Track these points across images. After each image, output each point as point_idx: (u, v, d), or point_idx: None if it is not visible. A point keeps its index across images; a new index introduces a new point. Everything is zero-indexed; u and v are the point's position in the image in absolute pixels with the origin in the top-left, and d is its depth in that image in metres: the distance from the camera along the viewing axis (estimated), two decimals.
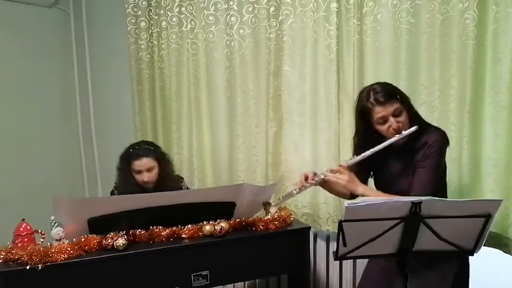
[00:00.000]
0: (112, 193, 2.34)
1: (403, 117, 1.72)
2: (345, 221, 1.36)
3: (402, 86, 2.23)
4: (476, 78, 2.08)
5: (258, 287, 2.88)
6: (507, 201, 2.01)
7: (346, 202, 1.35)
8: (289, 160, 2.63)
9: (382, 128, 1.73)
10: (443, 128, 2.17)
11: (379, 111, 1.70)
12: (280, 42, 2.55)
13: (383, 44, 2.30)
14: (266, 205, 2.08)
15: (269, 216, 2.03)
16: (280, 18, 2.54)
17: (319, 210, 2.54)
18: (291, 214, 2.11)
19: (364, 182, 1.90)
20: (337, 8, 2.38)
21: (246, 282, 2.85)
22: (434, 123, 2.19)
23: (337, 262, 2.60)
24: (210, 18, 2.69)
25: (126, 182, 2.26)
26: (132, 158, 2.24)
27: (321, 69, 2.47)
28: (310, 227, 2.17)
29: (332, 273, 2.64)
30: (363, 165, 1.85)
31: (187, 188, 2.44)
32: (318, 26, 2.45)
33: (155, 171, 2.25)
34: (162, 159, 2.30)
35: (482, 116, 2.10)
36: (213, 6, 2.67)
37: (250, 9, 2.60)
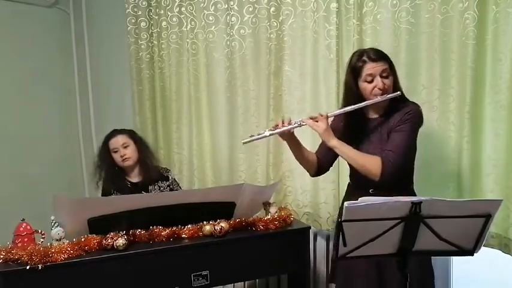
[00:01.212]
0: (103, 191, 2.38)
1: (389, 81, 1.79)
2: (345, 221, 1.36)
3: (402, 86, 2.23)
4: (476, 78, 2.08)
5: (258, 287, 2.88)
6: (507, 201, 2.01)
7: (346, 202, 1.35)
8: (289, 160, 2.63)
9: (368, 87, 1.78)
10: (443, 128, 2.20)
11: (369, 67, 1.76)
12: (280, 42, 2.55)
13: (383, 44, 2.30)
14: (266, 205, 2.08)
15: (269, 216, 2.03)
16: (281, 18, 2.54)
17: (320, 210, 2.54)
18: (291, 214, 2.11)
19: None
20: (337, 8, 2.37)
21: (246, 282, 2.84)
22: (434, 123, 2.21)
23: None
24: (210, 18, 2.69)
25: (107, 170, 2.36)
26: (107, 139, 2.37)
27: (321, 69, 2.47)
28: (310, 227, 2.17)
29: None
30: (344, 130, 1.87)
31: (174, 180, 2.51)
32: (318, 26, 2.45)
33: (131, 148, 2.36)
34: (139, 142, 2.42)
35: (482, 116, 2.10)
36: (213, 6, 2.67)
37: (250, 9, 2.61)
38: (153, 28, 2.82)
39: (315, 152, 2.03)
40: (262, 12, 2.57)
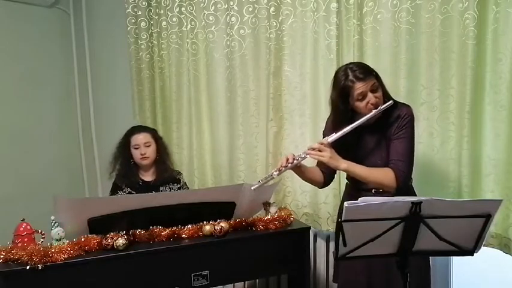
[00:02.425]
0: (114, 184, 2.38)
1: (379, 93, 1.79)
2: (345, 221, 1.36)
3: (402, 86, 2.24)
4: (476, 78, 2.08)
5: (258, 287, 2.88)
6: (507, 201, 2.01)
7: (346, 202, 1.35)
8: None
9: (361, 105, 1.78)
10: (443, 128, 2.20)
11: (359, 87, 1.75)
12: (280, 42, 2.55)
13: (383, 44, 2.30)
14: (266, 205, 2.08)
15: (269, 216, 2.03)
16: (281, 18, 2.54)
17: (319, 210, 2.54)
18: (291, 214, 2.11)
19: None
20: (337, 8, 2.38)
21: (246, 282, 2.85)
22: (434, 123, 2.22)
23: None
24: (210, 18, 2.69)
25: (123, 164, 2.36)
26: (130, 134, 2.38)
27: (321, 69, 2.47)
28: (310, 227, 2.17)
29: (332, 273, 2.64)
30: (341, 146, 1.86)
31: (185, 183, 2.49)
32: (318, 26, 2.45)
33: (152, 148, 2.36)
34: (159, 141, 2.43)
35: (482, 116, 2.10)
36: (213, 6, 2.68)
37: (250, 9, 2.61)
38: (153, 28, 2.83)
39: (316, 164, 2.02)
40: (262, 12, 2.57)
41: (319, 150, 1.80)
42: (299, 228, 2.07)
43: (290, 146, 2.62)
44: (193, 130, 2.80)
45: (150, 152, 2.36)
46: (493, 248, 2.11)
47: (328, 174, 2.00)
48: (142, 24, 2.83)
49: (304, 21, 2.49)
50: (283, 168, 1.87)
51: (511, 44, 1.97)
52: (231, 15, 2.64)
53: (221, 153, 2.78)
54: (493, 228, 1.99)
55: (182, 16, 2.75)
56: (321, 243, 2.65)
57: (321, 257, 2.66)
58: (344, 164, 1.80)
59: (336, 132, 1.82)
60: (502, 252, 2.10)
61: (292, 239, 2.04)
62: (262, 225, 2.00)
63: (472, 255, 1.49)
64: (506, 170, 2.03)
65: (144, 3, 2.81)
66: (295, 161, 1.86)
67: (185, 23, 2.75)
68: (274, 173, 1.88)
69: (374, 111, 1.76)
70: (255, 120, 2.69)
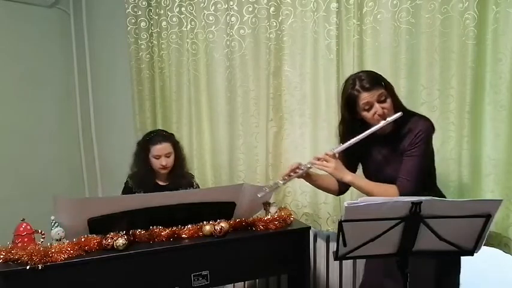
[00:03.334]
0: (126, 183, 2.36)
1: (387, 104, 1.74)
2: (345, 221, 1.36)
3: (402, 86, 2.24)
4: (476, 78, 2.08)
5: (258, 287, 2.88)
6: (507, 201, 2.01)
7: (346, 202, 1.35)
8: (289, 160, 2.63)
9: (368, 115, 1.75)
10: (443, 128, 2.20)
11: (364, 97, 1.72)
12: (280, 42, 2.55)
13: (383, 44, 2.30)
14: (266, 205, 2.08)
15: (269, 216, 2.03)
16: (280, 18, 2.54)
17: (319, 210, 2.54)
18: (291, 214, 2.11)
19: (353, 172, 1.88)
20: (337, 8, 2.37)
21: (246, 282, 2.85)
22: (434, 123, 2.21)
23: (337, 262, 2.60)
24: (210, 18, 2.69)
25: (141, 169, 2.33)
26: (152, 143, 2.31)
27: (321, 69, 2.47)
28: (310, 227, 2.17)
29: (332, 273, 2.64)
30: (350, 156, 1.85)
31: (197, 186, 2.48)
32: (318, 26, 2.45)
33: (172, 157, 2.33)
34: (178, 147, 2.39)
35: (482, 116, 2.10)
36: (213, 6, 2.67)
37: (250, 9, 2.61)
38: (153, 28, 2.82)
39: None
40: (262, 12, 2.57)
41: (325, 161, 1.79)
42: (299, 228, 2.08)
43: (290, 146, 2.62)
44: (193, 130, 2.80)
45: (171, 162, 2.31)
46: (493, 247, 2.11)
47: (342, 182, 1.94)
48: (142, 24, 2.83)
49: (304, 21, 2.49)
50: (287, 178, 1.87)
51: (511, 44, 1.97)
52: (231, 15, 2.64)
53: (221, 153, 2.78)
54: (493, 227, 1.99)
55: (182, 16, 2.75)
56: (321, 243, 2.66)
57: (321, 257, 2.66)
58: (349, 176, 1.79)
59: (342, 143, 1.81)
60: (502, 252, 2.10)
61: (292, 239, 2.04)
62: (262, 225, 2.00)
63: (472, 255, 1.49)
64: (506, 170, 2.03)
65: (144, 3, 2.81)
66: (300, 171, 1.86)
67: (185, 23, 2.74)
68: (280, 181, 1.90)
69: (382, 122, 1.72)
70: (255, 120, 2.69)
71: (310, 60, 2.50)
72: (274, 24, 2.54)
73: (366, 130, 1.75)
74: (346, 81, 1.81)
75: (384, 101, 1.74)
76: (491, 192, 2.08)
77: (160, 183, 2.38)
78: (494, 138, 2.06)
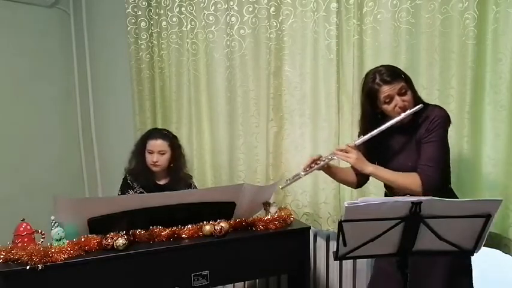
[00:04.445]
0: (125, 179, 2.35)
1: (408, 96, 1.75)
2: (345, 221, 1.36)
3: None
4: (476, 78, 2.08)
5: (258, 287, 2.88)
6: (507, 201, 2.01)
7: (346, 202, 1.35)
8: (289, 160, 2.63)
9: (388, 108, 1.76)
10: None
11: (385, 90, 1.73)
12: (280, 42, 2.55)
13: (383, 44, 2.30)
14: (266, 205, 2.08)
15: (269, 216, 2.03)
16: (281, 18, 2.54)
17: (319, 210, 2.54)
18: (291, 214, 2.11)
19: (372, 163, 1.88)
20: (337, 8, 2.38)
21: (246, 282, 2.85)
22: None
23: (337, 262, 2.60)
24: (210, 18, 2.69)
25: (137, 163, 2.33)
26: (148, 137, 2.33)
27: (321, 69, 2.47)
28: (310, 227, 2.17)
29: (332, 273, 2.64)
30: (370, 147, 1.85)
31: (195, 187, 2.46)
32: (318, 26, 2.45)
33: (166, 156, 2.31)
34: (176, 149, 2.37)
35: (482, 116, 2.10)
36: (213, 6, 2.68)
37: (250, 9, 2.61)
38: (153, 28, 2.82)
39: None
40: (262, 12, 2.57)
41: (346, 152, 1.79)
42: (299, 228, 2.08)
43: (290, 146, 2.62)
44: (193, 130, 2.80)
45: (163, 160, 2.30)
46: (493, 248, 2.11)
47: (361, 175, 1.96)
48: (142, 24, 2.83)
49: (304, 21, 2.49)
50: (309, 169, 1.88)
51: (511, 44, 1.97)
52: (231, 15, 2.64)
53: (221, 153, 2.78)
54: (492, 228, 1.99)
55: (182, 16, 2.75)
56: (321, 243, 2.66)
57: (321, 257, 2.66)
58: (370, 167, 1.80)
59: (363, 135, 1.81)
60: (502, 252, 2.10)
61: (292, 239, 2.04)
62: (262, 225, 2.00)
63: (472, 255, 1.49)
64: (506, 170, 2.02)
65: (144, 3, 2.81)
66: (321, 162, 1.87)
67: (185, 23, 2.74)
68: (302, 173, 1.90)
69: (403, 114, 1.73)
70: (255, 120, 2.69)
71: (310, 60, 2.50)
72: (275, 24, 2.54)
73: (385, 122, 1.77)
74: (366, 75, 1.82)
75: (405, 94, 1.75)
76: (491, 192, 2.08)
77: (159, 182, 2.37)
78: (494, 138, 2.06)
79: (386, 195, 1.98)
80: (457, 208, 1.38)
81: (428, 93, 2.23)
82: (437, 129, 1.73)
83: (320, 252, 2.66)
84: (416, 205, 1.34)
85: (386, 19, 2.28)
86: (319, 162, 1.88)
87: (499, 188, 2.06)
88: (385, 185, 1.93)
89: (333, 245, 2.40)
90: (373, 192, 2.32)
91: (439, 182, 1.74)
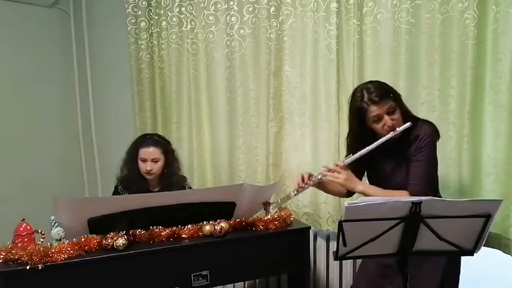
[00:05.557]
0: (115, 188, 2.33)
1: (397, 115, 1.76)
2: (345, 221, 1.36)
3: (402, 86, 2.24)
4: (476, 78, 2.08)
5: (258, 287, 2.88)
6: (507, 201, 2.01)
7: (346, 202, 1.35)
8: (289, 160, 2.63)
9: (377, 126, 1.76)
10: (443, 129, 2.20)
11: (373, 110, 1.73)
12: (280, 42, 2.55)
13: (383, 44, 2.30)
14: (266, 205, 2.08)
15: (269, 216, 2.03)
16: (281, 18, 2.54)
17: (320, 210, 2.54)
18: (291, 214, 2.11)
19: (360, 179, 1.91)
20: (337, 8, 2.38)
21: (246, 282, 2.85)
22: (434, 123, 2.21)
23: (337, 262, 2.60)
24: (210, 18, 2.69)
25: (129, 170, 2.28)
26: (140, 145, 2.27)
27: (321, 69, 2.47)
28: (310, 227, 2.17)
29: (332, 273, 2.64)
30: (357, 165, 1.86)
31: (190, 187, 2.44)
32: (318, 26, 2.45)
33: (160, 164, 2.26)
34: (170, 155, 2.32)
35: (482, 116, 2.10)
36: (213, 6, 2.68)
37: (250, 9, 2.61)
38: (153, 28, 2.82)
39: None
40: (262, 12, 2.57)
41: (336, 172, 1.80)
42: (299, 228, 2.07)
43: (290, 146, 2.62)
44: (193, 130, 2.80)
45: (157, 168, 2.25)
46: (493, 248, 2.11)
47: None
48: (142, 24, 2.83)
49: (304, 21, 2.49)
50: (300, 189, 1.92)
51: (511, 44, 1.97)
52: (231, 15, 2.64)
53: (221, 153, 2.78)
54: (493, 228, 1.99)
55: (182, 16, 2.75)
56: (321, 243, 2.66)
57: (321, 257, 2.66)
58: (360, 186, 1.81)
59: (352, 154, 1.82)
60: (502, 252, 2.10)
61: (292, 239, 2.04)
62: (262, 225, 2.00)
63: (472, 255, 1.49)
64: (506, 170, 2.03)
65: (144, 3, 2.81)
66: (311, 182, 1.90)
67: (185, 23, 2.74)
68: (292, 193, 1.96)
69: (391, 133, 1.74)
70: (255, 120, 2.69)
71: (310, 60, 2.50)
72: (275, 24, 2.54)
73: (374, 140, 1.77)
74: (354, 93, 1.82)
75: (393, 113, 1.75)
76: (491, 192, 2.08)
77: (152, 190, 2.32)
78: (494, 138, 2.06)
79: None
80: (457, 208, 1.38)
81: (428, 93, 2.23)
82: (426, 148, 1.74)
83: (320, 252, 2.66)
84: (417, 205, 1.34)
85: (387, 19, 2.28)
86: (309, 182, 1.91)
87: (499, 188, 2.06)
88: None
89: (333, 245, 2.40)
90: None
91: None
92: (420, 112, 2.21)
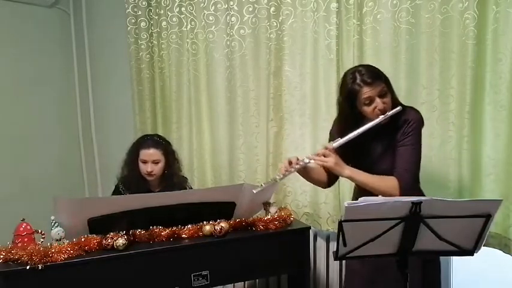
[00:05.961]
0: (116, 187, 2.33)
1: (388, 98, 1.74)
2: (345, 221, 1.37)
3: (402, 86, 2.24)
4: (476, 78, 2.08)
5: (258, 287, 2.88)
6: (507, 201, 2.01)
7: (346, 202, 1.35)
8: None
9: (368, 109, 1.74)
10: (443, 128, 2.20)
11: (366, 92, 1.71)
12: (280, 42, 2.55)
13: (383, 44, 2.30)
14: (266, 205, 2.08)
15: (269, 216, 2.03)
16: (281, 18, 2.54)
17: (319, 210, 2.54)
18: (291, 214, 2.11)
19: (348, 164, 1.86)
20: (337, 8, 2.38)
21: (246, 282, 2.85)
22: (434, 123, 2.22)
23: (337, 262, 2.60)
24: (210, 18, 2.69)
25: (130, 171, 2.28)
26: (141, 146, 2.26)
27: (321, 69, 2.47)
28: (310, 227, 2.17)
29: (332, 273, 2.64)
30: (346, 149, 1.83)
31: (191, 188, 2.43)
32: (318, 26, 2.45)
33: (160, 165, 2.26)
34: (170, 156, 2.31)
35: (482, 116, 2.11)
36: (213, 6, 2.68)
37: (250, 9, 2.61)
38: (153, 28, 2.82)
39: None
40: (262, 12, 2.57)
41: (324, 156, 1.78)
42: (299, 228, 2.07)
43: (290, 146, 2.62)
44: (193, 130, 2.80)
45: (158, 169, 2.25)
46: (493, 248, 2.11)
47: (332, 174, 1.95)
48: (142, 24, 2.83)
49: (304, 21, 2.49)
50: (286, 173, 1.85)
51: (511, 44, 1.97)
52: (231, 15, 2.64)
53: (221, 153, 2.78)
54: (493, 228, 1.99)
55: (182, 16, 2.75)
56: (321, 243, 2.66)
57: (321, 257, 2.66)
58: (348, 170, 1.78)
59: (341, 138, 1.79)
60: (502, 252, 2.10)
61: (292, 239, 2.04)
62: (262, 225, 2.00)
63: (472, 255, 1.49)
64: (506, 170, 2.03)
65: (144, 3, 2.81)
66: (297, 166, 1.84)
67: (185, 23, 2.74)
68: (277, 177, 1.87)
69: (381, 117, 1.72)
70: (255, 120, 2.69)
71: (310, 60, 2.50)
72: (275, 24, 2.54)
73: (363, 124, 1.75)
74: (345, 75, 1.80)
75: (385, 96, 1.73)
76: (491, 192, 2.08)
77: (153, 189, 2.32)
78: (494, 138, 2.07)
79: (356, 193, 1.96)
80: (457, 208, 1.38)
81: (428, 93, 2.23)
82: (413, 133, 1.74)
83: (320, 252, 2.66)
84: (417, 205, 1.34)
85: (386, 19, 2.28)
86: (295, 166, 1.84)
87: (499, 188, 2.06)
88: (357, 185, 1.91)
89: (333, 245, 2.40)
90: None
91: (413, 183, 1.78)
92: (420, 112, 2.21)
